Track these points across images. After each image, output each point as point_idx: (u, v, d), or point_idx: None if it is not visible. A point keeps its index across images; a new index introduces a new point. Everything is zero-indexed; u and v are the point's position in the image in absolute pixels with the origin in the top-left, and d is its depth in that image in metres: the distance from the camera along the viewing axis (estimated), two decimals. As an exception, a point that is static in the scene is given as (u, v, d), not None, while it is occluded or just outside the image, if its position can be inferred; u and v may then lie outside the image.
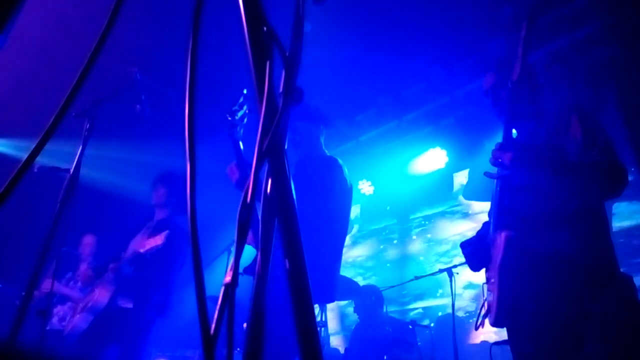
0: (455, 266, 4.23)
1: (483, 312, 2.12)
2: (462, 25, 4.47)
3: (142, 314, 3.31)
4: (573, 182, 1.91)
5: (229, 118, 2.39)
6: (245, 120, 2.46)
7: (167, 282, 3.42)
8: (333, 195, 2.62)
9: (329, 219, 2.58)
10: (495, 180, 2.08)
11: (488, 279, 2.11)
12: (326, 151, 2.85)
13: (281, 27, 0.83)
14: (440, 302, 5.87)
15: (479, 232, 2.34)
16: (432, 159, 5.98)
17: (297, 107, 0.80)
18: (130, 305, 3.28)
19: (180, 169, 3.71)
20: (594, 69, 4.42)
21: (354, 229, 7.25)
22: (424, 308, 6.08)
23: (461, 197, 6.22)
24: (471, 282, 5.51)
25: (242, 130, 2.47)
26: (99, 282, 3.49)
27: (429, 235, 6.54)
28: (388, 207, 6.83)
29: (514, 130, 2.17)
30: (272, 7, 0.87)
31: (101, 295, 3.37)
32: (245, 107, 2.44)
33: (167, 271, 3.40)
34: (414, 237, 6.66)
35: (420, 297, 6.14)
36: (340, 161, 2.76)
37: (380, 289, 5.24)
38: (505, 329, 2.08)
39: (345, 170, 2.75)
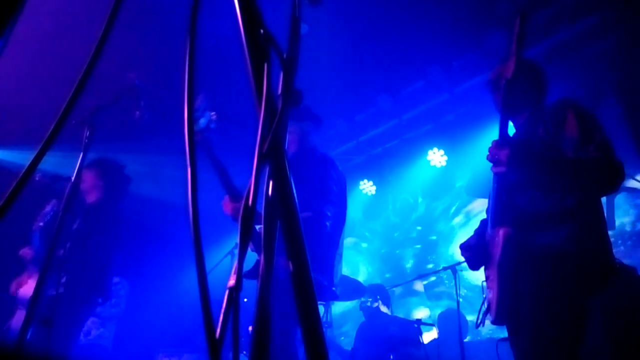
0: (459, 263, 4.22)
1: (483, 310, 2.11)
2: (460, 22, 4.46)
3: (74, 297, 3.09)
4: (570, 178, 1.90)
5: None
6: (213, 126, 2.36)
7: (98, 262, 3.25)
8: (328, 191, 2.63)
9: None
10: (493, 177, 2.08)
11: (487, 277, 2.10)
12: (317, 149, 2.86)
13: (278, 29, 0.83)
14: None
15: (477, 231, 2.33)
16: (433, 157, 5.94)
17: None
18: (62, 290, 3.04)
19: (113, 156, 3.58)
20: (592, 63, 4.41)
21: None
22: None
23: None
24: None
25: (212, 137, 2.36)
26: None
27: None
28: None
29: (512, 125, 2.16)
30: (268, 10, 0.87)
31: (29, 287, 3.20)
32: (208, 113, 2.33)
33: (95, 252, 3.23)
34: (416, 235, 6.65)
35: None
36: (331, 157, 2.78)
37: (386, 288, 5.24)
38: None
39: (338, 167, 2.77)
